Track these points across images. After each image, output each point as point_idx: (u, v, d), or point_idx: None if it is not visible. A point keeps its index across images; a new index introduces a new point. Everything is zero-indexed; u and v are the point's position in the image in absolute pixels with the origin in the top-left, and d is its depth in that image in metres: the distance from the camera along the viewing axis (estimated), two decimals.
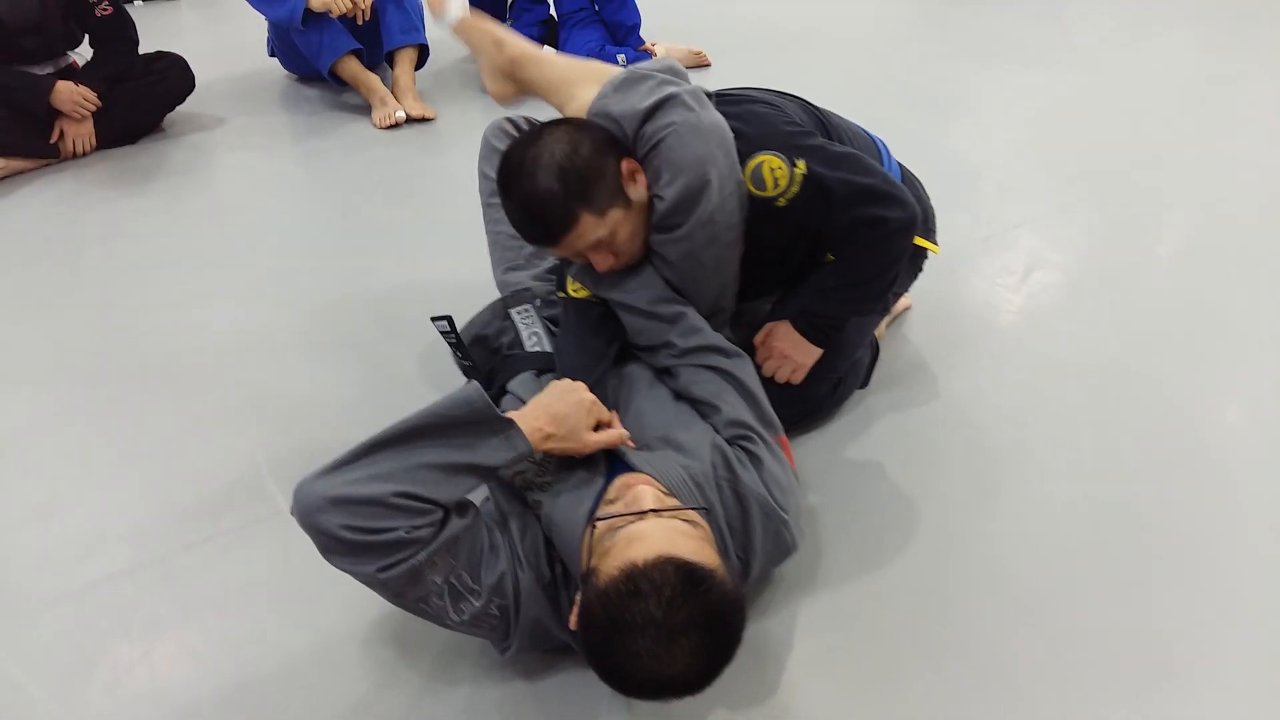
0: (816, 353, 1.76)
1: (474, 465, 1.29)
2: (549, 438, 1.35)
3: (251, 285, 2.50)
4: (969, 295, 2.30)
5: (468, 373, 1.79)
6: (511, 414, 1.35)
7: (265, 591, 1.60)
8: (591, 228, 1.49)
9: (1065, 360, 2.07)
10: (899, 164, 1.91)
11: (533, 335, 1.67)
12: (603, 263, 1.56)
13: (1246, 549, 1.61)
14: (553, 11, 3.78)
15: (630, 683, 1.13)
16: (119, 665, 1.49)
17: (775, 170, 1.52)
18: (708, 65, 3.76)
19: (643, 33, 3.74)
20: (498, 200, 1.67)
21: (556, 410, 1.37)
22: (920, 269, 1.94)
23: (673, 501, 1.29)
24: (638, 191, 1.52)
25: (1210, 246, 2.50)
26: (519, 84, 1.85)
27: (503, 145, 1.85)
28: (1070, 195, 2.74)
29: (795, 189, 1.53)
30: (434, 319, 1.72)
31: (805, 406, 1.84)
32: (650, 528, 1.21)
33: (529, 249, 1.93)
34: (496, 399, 1.64)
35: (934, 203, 1.99)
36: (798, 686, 1.40)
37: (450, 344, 1.72)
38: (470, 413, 1.29)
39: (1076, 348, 2.11)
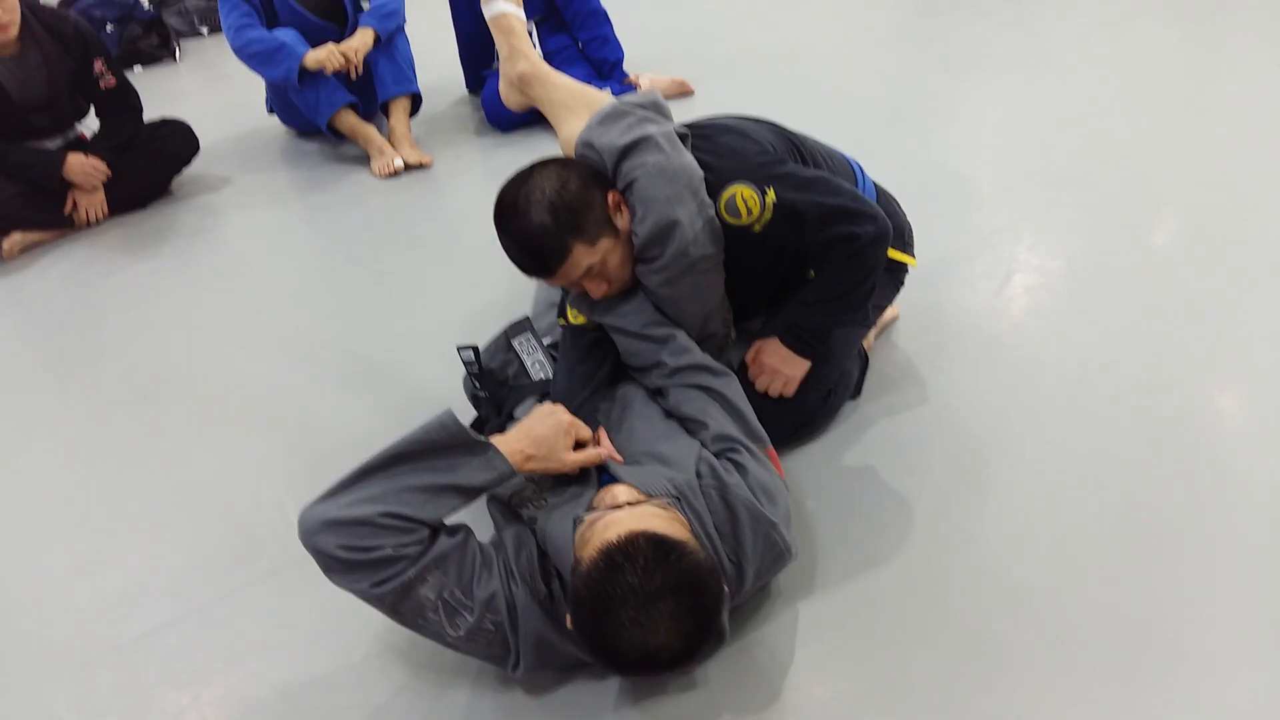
0: (805, 365, 1.85)
1: (456, 486, 1.41)
2: (530, 459, 1.48)
3: (270, 338, 2.61)
4: (953, 302, 2.38)
5: (477, 402, 1.90)
6: (495, 437, 1.48)
7: (301, 631, 1.70)
8: (584, 256, 1.61)
9: (1049, 360, 2.15)
10: (874, 183, 2.01)
11: (536, 363, 1.80)
12: (597, 290, 1.68)
13: (1237, 536, 1.68)
14: (539, 50, 3.89)
15: (622, 656, 1.24)
16: (170, 713, 1.58)
17: (748, 199, 1.64)
18: (691, 93, 3.86)
19: (626, 66, 3.85)
20: None
21: (536, 433, 1.50)
22: (901, 283, 2.04)
23: (643, 497, 1.41)
24: (623, 221, 1.65)
25: (1190, 242, 2.58)
26: (526, 97, 2.03)
27: None
28: (1048, 198, 2.83)
29: (768, 215, 1.65)
30: (460, 348, 1.84)
31: (799, 418, 1.94)
32: (622, 514, 1.34)
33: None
34: (505, 425, 1.76)
35: (915, 213, 2.09)
36: (801, 691, 1.48)
37: (472, 373, 1.84)
38: (447, 437, 1.42)
39: (1060, 347, 2.19)
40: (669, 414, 1.68)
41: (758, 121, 1.88)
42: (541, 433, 1.50)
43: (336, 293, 2.83)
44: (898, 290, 2.04)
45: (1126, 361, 2.12)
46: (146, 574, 1.87)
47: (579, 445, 1.54)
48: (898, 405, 2.06)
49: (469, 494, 1.44)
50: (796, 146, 1.85)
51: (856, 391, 2.06)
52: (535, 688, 1.52)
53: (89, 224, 3.39)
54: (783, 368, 1.84)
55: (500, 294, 2.60)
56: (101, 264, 3.15)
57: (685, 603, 1.22)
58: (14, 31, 3.02)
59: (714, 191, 1.65)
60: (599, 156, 1.66)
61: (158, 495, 2.08)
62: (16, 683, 1.67)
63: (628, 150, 1.62)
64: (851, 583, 1.66)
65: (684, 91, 3.85)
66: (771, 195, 1.64)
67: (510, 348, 1.81)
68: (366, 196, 3.39)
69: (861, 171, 1.97)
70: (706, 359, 1.70)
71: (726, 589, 1.33)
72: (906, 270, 2.03)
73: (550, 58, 3.78)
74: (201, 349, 2.61)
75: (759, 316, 1.99)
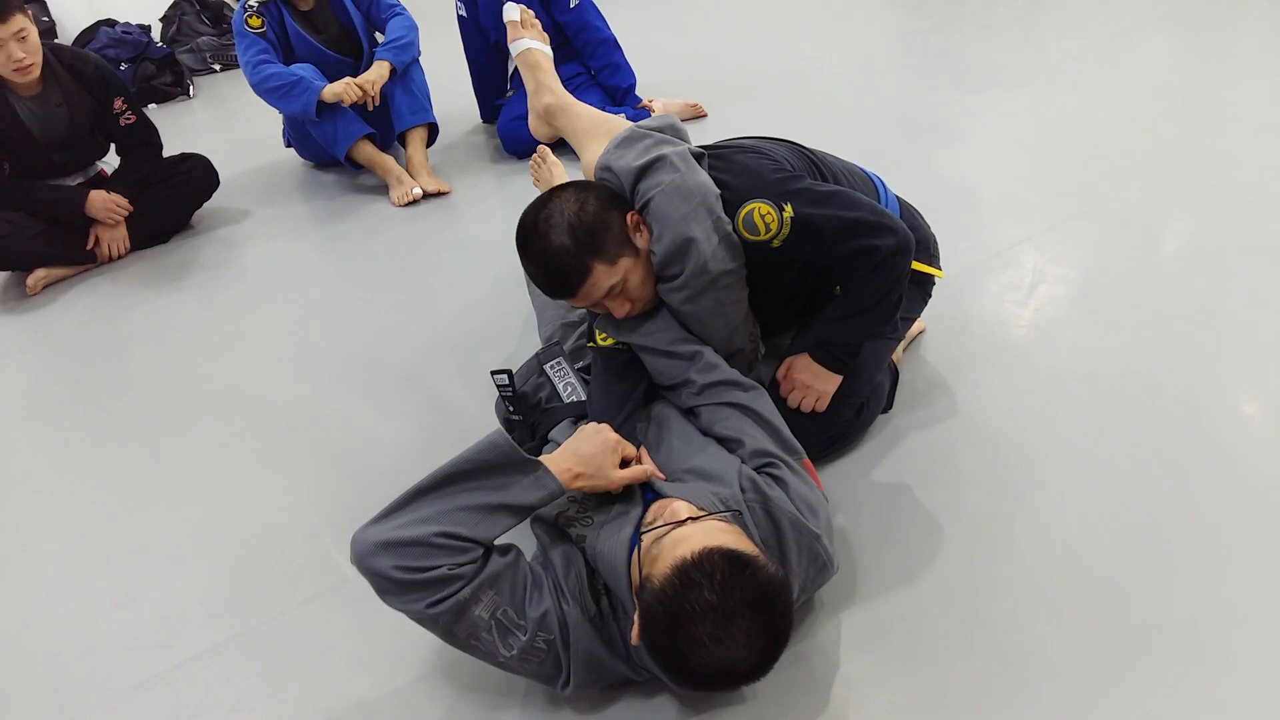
0: (836, 380, 1.86)
1: (508, 505, 1.42)
2: (578, 476, 1.48)
3: (297, 366, 2.62)
4: (979, 314, 2.39)
5: (510, 426, 1.91)
6: (543, 457, 1.49)
7: (342, 655, 1.70)
8: (605, 276, 1.63)
9: (1077, 369, 2.15)
10: (897, 197, 2.02)
11: (567, 386, 1.81)
12: (620, 309, 1.70)
13: (1269, 539, 1.68)
14: None
15: (698, 674, 1.23)
16: None
17: (765, 216, 1.66)
18: (704, 116, 3.89)
19: (639, 91, 3.89)
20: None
21: (584, 451, 1.51)
22: (929, 295, 2.05)
23: (705, 511, 1.41)
24: (642, 241, 1.68)
25: (1207, 248, 2.58)
26: (553, 128, 2.08)
27: None
28: (1066, 210, 2.84)
29: (786, 231, 1.66)
30: (494, 373, 1.86)
31: (832, 432, 1.94)
32: (691, 530, 1.34)
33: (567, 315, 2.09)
34: (539, 448, 1.77)
35: (936, 226, 2.10)
36: (848, 704, 1.48)
37: (505, 397, 1.85)
38: (499, 456, 1.43)
39: (1087, 357, 2.19)
40: (705, 433, 1.68)
41: (776, 140, 1.90)
42: (589, 451, 1.51)
43: (361, 320, 2.85)
44: (925, 303, 2.05)
45: (1153, 370, 2.12)
46: (185, 602, 1.88)
47: (624, 463, 1.55)
48: (929, 418, 2.06)
49: (520, 513, 1.44)
50: (815, 164, 1.87)
51: (888, 404, 2.06)
52: (584, 706, 1.51)
53: (111, 259, 3.43)
54: (814, 383, 1.85)
55: (523, 319, 2.62)
56: (126, 298, 3.18)
57: (762, 617, 1.22)
58: (36, 72, 3.07)
59: (731, 209, 1.67)
60: (617, 179, 1.69)
61: (193, 524, 2.09)
62: (59, 714, 1.68)
63: (644, 171, 1.65)
64: (893, 595, 1.65)
65: (697, 114, 3.88)
66: (789, 211, 1.65)
67: (542, 372, 1.83)
68: (386, 225, 3.42)
69: (884, 186, 1.99)
70: (734, 374, 1.71)
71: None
72: (933, 282, 2.04)
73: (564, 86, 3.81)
74: (230, 379, 2.62)
75: (787, 332, 2.00)
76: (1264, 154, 3.03)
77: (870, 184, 1.97)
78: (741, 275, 1.71)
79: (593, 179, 1.78)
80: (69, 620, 1.88)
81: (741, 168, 1.74)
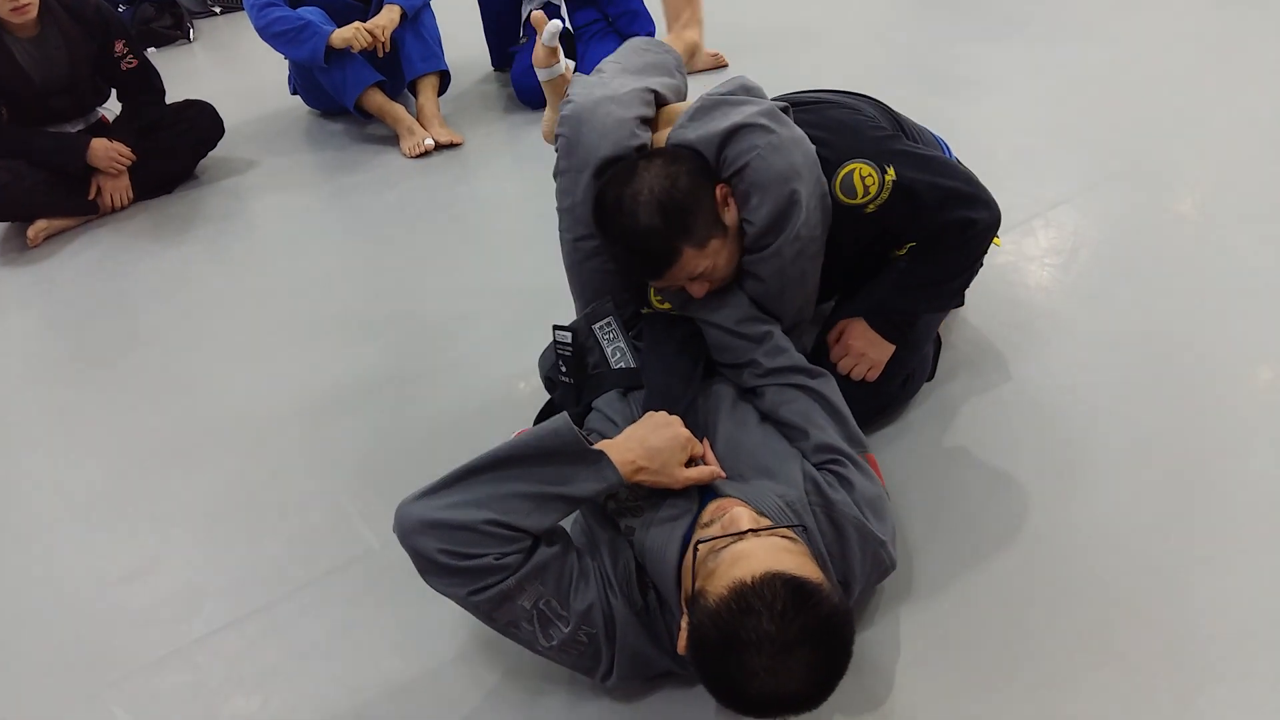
0: (890, 349, 1.78)
1: (564, 495, 1.33)
2: (641, 470, 1.37)
3: (309, 326, 2.53)
4: (1020, 278, 2.31)
5: (552, 385, 1.80)
6: (604, 444, 1.38)
7: (369, 629, 1.64)
8: (693, 260, 1.51)
9: (1124, 335, 2.08)
10: (958, 160, 1.92)
11: (616, 351, 1.69)
12: (700, 290, 1.59)
13: None
14: (568, 25, 3.79)
15: (749, 702, 1.15)
16: (240, 717, 1.52)
17: (866, 178, 1.54)
18: (725, 66, 3.77)
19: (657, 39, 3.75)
20: (598, 248, 1.69)
21: (651, 444, 1.39)
22: (981, 263, 1.96)
23: (768, 522, 1.31)
24: (731, 216, 1.55)
25: (1251, 209, 2.49)
26: None
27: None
28: (1105, 169, 2.74)
29: (885, 195, 1.55)
30: (557, 328, 1.73)
31: (879, 402, 1.86)
32: (752, 546, 1.23)
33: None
34: (583, 415, 1.67)
35: None
36: (906, 689, 1.42)
37: (563, 356, 1.74)
38: (561, 444, 1.33)
39: (1133, 322, 2.11)
40: (764, 418, 1.59)
41: (856, 95, 1.78)
42: (657, 445, 1.39)
43: (374, 276, 2.76)
44: (979, 270, 1.96)
45: (1201, 334, 2.05)
46: (203, 574, 1.81)
47: (692, 461, 1.44)
48: (977, 386, 1.98)
49: (575, 504, 1.36)
50: (899, 123, 1.76)
51: (931, 373, 1.98)
52: (626, 694, 1.45)
53: (114, 210, 3.32)
54: (869, 351, 1.76)
55: (545, 276, 2.52)
56: (130, 251, 3.07)
57: (822, 651, 1.13)
58: (33, 12, 2.94)
59: (829, 168, 1.56)
60: (696, 153, 1.56)
61: (208, 490, 2.01)
62: (77, 689, 1.61)
63: (730, 136, 1.52)
64: (948, 579, 1.59)
65: (719, 64, 3.75)
66: (891, 174, 1.54)
67: (590, 333, 1.72)
68: (398, 178, 3.30)
69: (948, 149, 1.89)
70: (801, 360, 1.61)
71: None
72: (987, 249, 1.95)
73: (579, 33, 3.69)
74: (241, 336, 2.53)
75: (832, 299, 1.91)
76: None
77: (939, 147, 1.87)
78: (824, 242, 1.61)
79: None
80: (82, 592, 1.81)
81: (837, 124, 1.63)
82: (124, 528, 1.95)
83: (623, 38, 3.70)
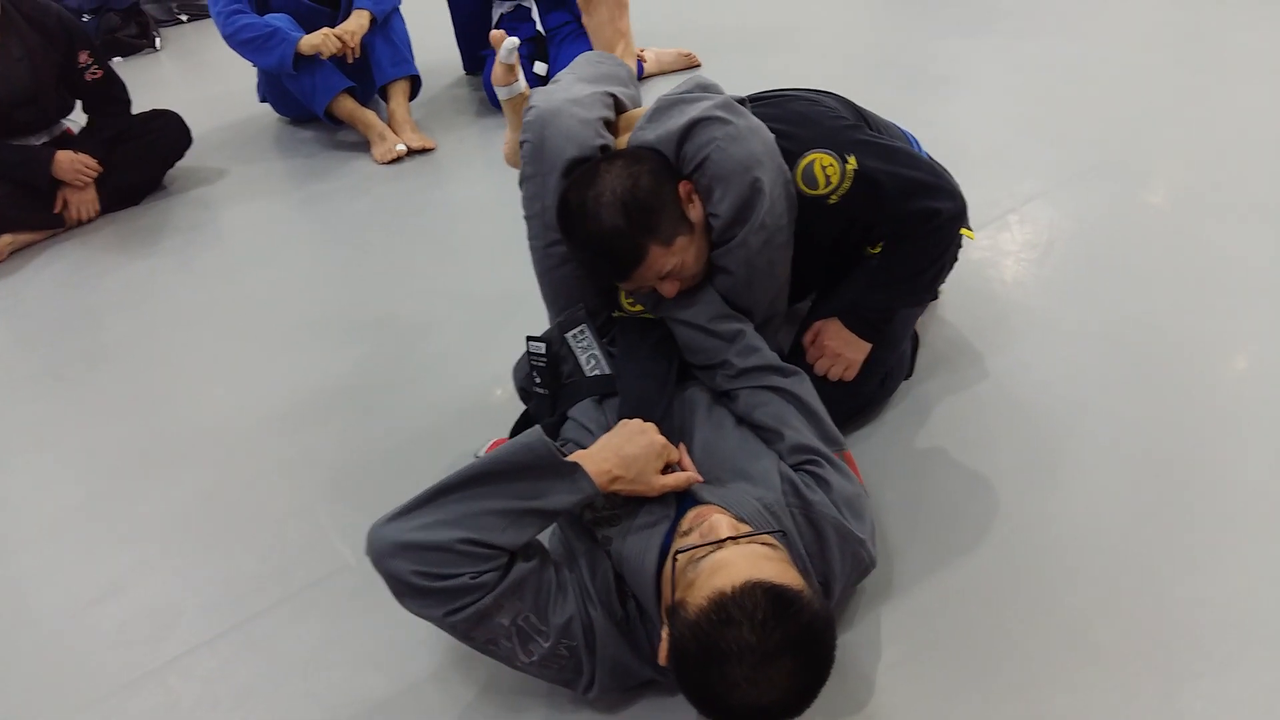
0: (866, 348, 1.77)
1: (539, 510, 1.31)
2: (617, 480, 1.36)
3: (281, 337, 2.49)
4: (996, 273, 2.30)
5: (527, 396, 1.79)
6: (578, 455, 1.36)
7: (348, 648, 1.61)
8: (660, 258, 1.50)
9: (1100, 330, 2.08)
10: (928, 155, 1.91)
11: (590, 359, 1.67)
12: (671, 290, 1.57)
13: None
14: (539, 28, 3.77)
15: (731, 712, 1.13)
16: None
17: (827, 168, 1.53)
18: (698, 66, 3.75)
19: None
20: (558, 244, 1.67)
21: (626, 453, 1.37)
22: (956, 258, 1.95)
23: (747, 528, 1.30)
24: (696, 213, 1.53)
25: (1224, 202, 2.50)
26: None
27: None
28: (1081, 163, 2.74)
29: (847, 184, 1.54)
30: (531, 339, 1.71)
31: (857, 402, 1.85)
32: (731, 555, 1.21)
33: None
34: (558, 425, 1.65)
35: None
36: (888, 690, 1.41)
37: (537, 368, 1.72)
38: (534, 458, 1.31)
39: (1108, 314, 2.12)
40: (739, 420, 1.57)
41: (819, 91, 1.77)
42: (632, 453, 1.37)
43: (346, 286, 2.72)
44: (953, 265, 1.95)
45: (1177, 326, 2.06)
46: (176, 591, 1.77)
47: (667, 468, 1.43)
48: (954, 383, 1.97)
49: (552, 517, 1.33)
50: (863, 116, 1.75)
51: (909, 371, 1.97)
52: (606, 705, 1.43)
53: (80, 223, 3.27)
54: (845, 351, 1.75)
55: (520, 282, 2.49)
56: (97, 264, 3.02)
57: (803, 658, 1.11)
58: None
59: (790, 159, 1.54)
60: (658, 153, 1.54)
61: (179, 505, 1.97)
62: (48, 712, 1.57)
63: (688, 132, 1.50)
64: (929, 578, 1.58)
65: (691, 64, 3.74)
66: (853, 163, 1.53)
67: (563, 341, 1.69)
68: (369, 184, 3.27)
69: (917, 144, 1.88)
70: (774, 358, 1.59)
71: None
72: (961, 244, 1.94)
73: (551, 35, 3.66)
74: (211, 349, 2.49)
75: (808, 296, 1.90)
76: (1276, 104, 2.94)
77: (907, 142, 1.86)
78: (792, 233, 1.59)
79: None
80: (53, 612, 1.77)
81: (798, 115, 1.61)
82: (95, 546, 1.91)
83: None
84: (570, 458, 1.34)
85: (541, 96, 1.64)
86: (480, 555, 1.25)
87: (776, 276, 1.63)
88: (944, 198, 1.58)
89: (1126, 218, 2.48)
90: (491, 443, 1.91)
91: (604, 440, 1.41)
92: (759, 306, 1.64)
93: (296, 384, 2.29)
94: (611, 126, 1.67)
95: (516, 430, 1.82)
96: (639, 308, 1.67)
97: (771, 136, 1.53)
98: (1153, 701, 1.35)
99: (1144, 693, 1.36)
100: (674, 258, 1.51)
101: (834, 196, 1.55)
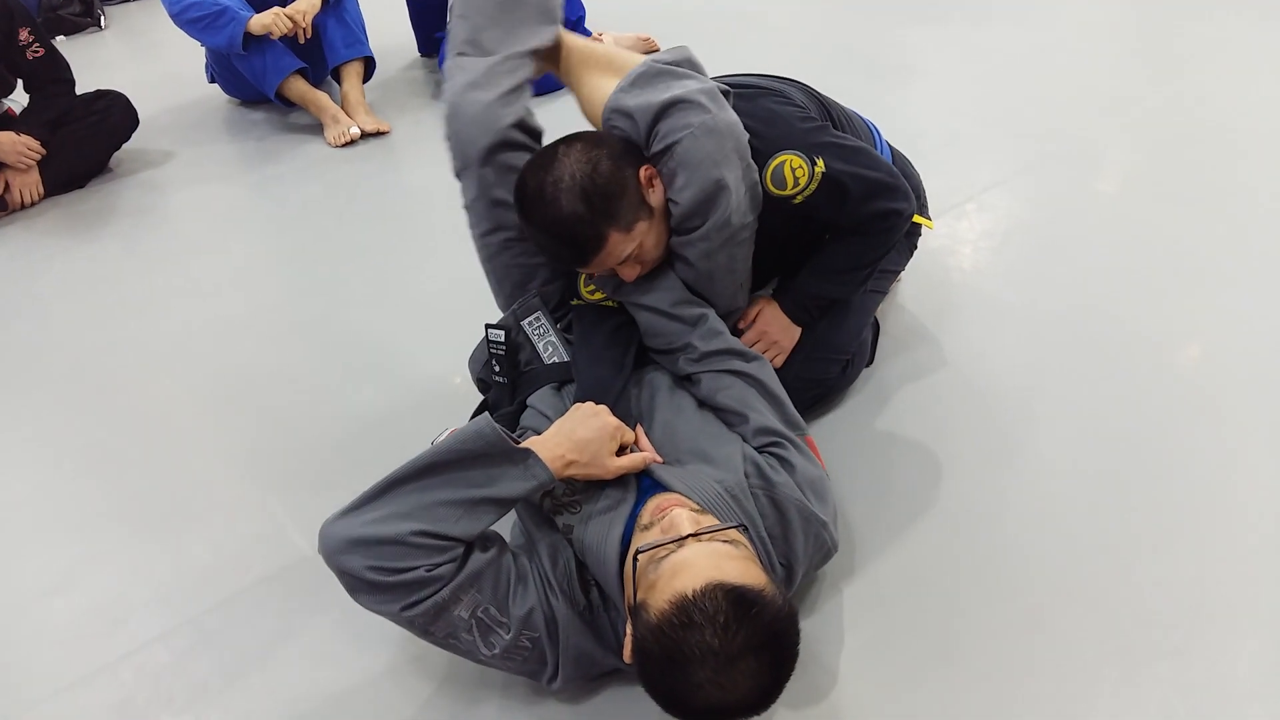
0: (797, 333, 1.78)
1: (493, 498, 1.29)
2: (571, 464, 1.35)
3: (232, 325, 2.44)
4: (955, 261, 2.32)
5: (486, 386, 1.77)
6: (532, 441, 1.35)
7: (304, 642, 1.58)
8: (620, 244, 1.48)
9: (1056, 314, 2.11)
10: (889, 145, 1.92)
11: (548, 346, 1.65)
12: (631, 274, 1.55)
13: (1250, 474, 1.68)
14: None
15: (695, 712, 1.12)
16: None
17: (797, 170, 1.53)
18: (657, 51, 3.72)
19: (588, 24, 3.71)
20: (509, 241, 1.67)
21: (579, 436, 1.36)
22: (915, 246, 1.96)
23: (709, 520, 1.28)
24: (656, 197, 1.51)
25: (1176, 189, 2.54)
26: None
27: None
28: (1039, 152, 2.77)
29: (814, 186, 1.54)
30: (489, 326, 1.70)
31: (819, 390, 1.86)
32: (692, 554, 1.19)
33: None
34: (517, 414, 1.63)
35: None
36: (852, 679, 1.42)
37: (497, 356, 1.70)
38: (485, 445, 1.30)
39: (1065, 301, 2.14)
40: (701, 404, 1.57)
41: (785, 80, 1.76)
42: (585, 436, 1.36)
43: (300, 271, 2.67)
44: (912, 254, 1.96)
45: (1132, 312, 2.09)
46: (127, 585, 1.73)
47: (622, 449, 1.42)
48: (913, 370, 1.99)
49: (506, 505, 1.32)
50: (827, 110, 1.75)
51: (870, 358, 1.98)
52: (571, 696, 1.42)
53: (23, 206, 3.17)
54: (780, 337, 1.76)
55: (477, 268, 2.46)
56: (41, 249, 2.94)
57: (766, 658, 1.10)
58: None
59: (760, 159, 1.53)
60: (632, 121, 1.50)
61: (130, 498, 1.93)
62: None
63: (666, 109, 1.47)
64: (891, 564, 1.59)
65: (650, 49, 3.71)
66: (821, 166, 1.53)
67: (520, 329, 1.68)
68: (322, 168, 3.21)
69: (878, 133, 1.89)
70: (737, 342, 1.59)
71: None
72: (921, 233, 1.95)
73: None
74: (160, 337, 2.43)
75: (766, 288, 1.89)
76: (1236, 95, 3.00)
77: (869, 132, 1.86)
78: (754, 229, 1.59)
79: (595, 114, 1.60)
80: (0, 607, 1.72)
81: (769, 114, 1.60)
82: (43, 539, 1.86)
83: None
84: (524, 444, 1.33)
85: (448, 84, 1.63)
86: (435, 547, 1.23)
87: (737, 273, 1.62)
88: (900, 198, 1.61)
89: (1082, 206, 2.51)
90: (449, 430, 1.89)
91: (557, 425, 1.40)
92: (720, 300, 1.64)
93: (248, 372, 2.25)
94: (525, 85, 1.64)
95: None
96: (598, 295, 1.65)
97: (745, 135, 1.52)
98: (1113, 685, 1.36)
99: (1104, 677, 1.38)
100: (633, 243, 1.50)
101: (799, 197, 1.55)
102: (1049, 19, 3.74)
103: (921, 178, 2.00)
